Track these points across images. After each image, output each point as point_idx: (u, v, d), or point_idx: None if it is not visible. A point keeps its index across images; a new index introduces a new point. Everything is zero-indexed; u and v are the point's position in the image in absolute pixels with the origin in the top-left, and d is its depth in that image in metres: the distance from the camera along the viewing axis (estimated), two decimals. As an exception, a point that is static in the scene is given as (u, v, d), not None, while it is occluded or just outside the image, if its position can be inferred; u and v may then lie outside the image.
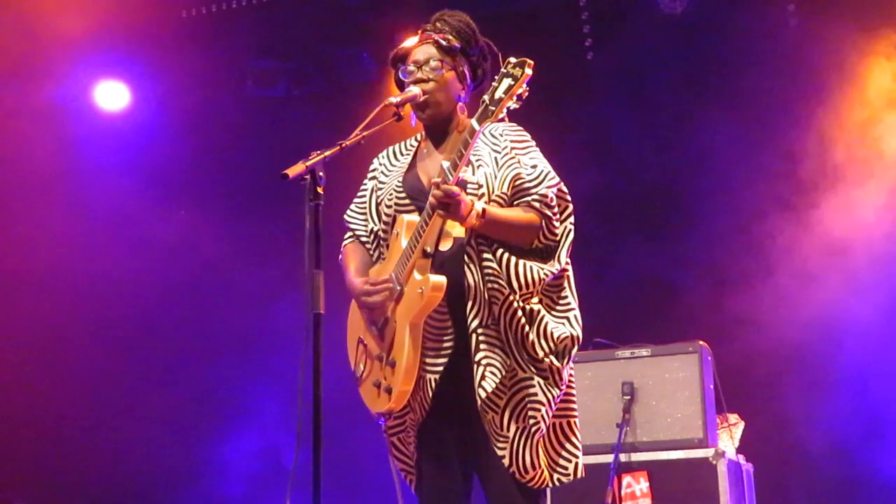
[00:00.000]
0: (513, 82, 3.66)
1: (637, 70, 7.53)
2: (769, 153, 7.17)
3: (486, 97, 3.71)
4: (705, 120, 7.13)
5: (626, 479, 5.70)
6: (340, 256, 4.20)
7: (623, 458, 5.71)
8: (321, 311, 3.53)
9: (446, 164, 3.73)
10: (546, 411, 3.79)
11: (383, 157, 4.22)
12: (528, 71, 3.65)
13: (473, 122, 3.71)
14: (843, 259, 6.92)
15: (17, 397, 7.92)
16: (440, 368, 3.85)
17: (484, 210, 3.74)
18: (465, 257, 3.82)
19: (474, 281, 3.80)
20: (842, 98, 7.09)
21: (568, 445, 3.90)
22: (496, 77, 3.71)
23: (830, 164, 7.06)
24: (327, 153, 3.67)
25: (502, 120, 3.78)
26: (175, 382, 8.19)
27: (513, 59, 3.69)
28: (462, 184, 3.76)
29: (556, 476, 3.87)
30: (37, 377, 7.99)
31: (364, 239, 4.16)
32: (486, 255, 3.81)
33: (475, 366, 3.77)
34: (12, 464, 7.94)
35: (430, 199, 3.71)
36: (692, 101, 7.20)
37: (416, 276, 3.81)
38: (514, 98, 3.67)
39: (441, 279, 3.78)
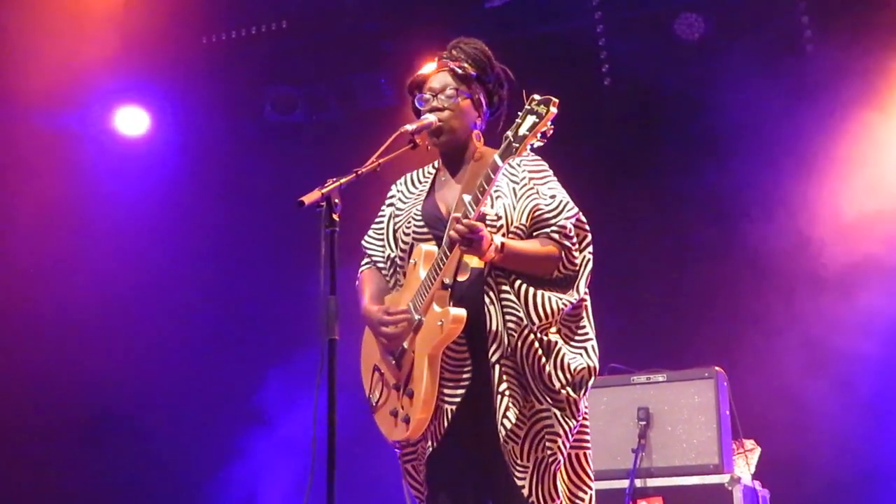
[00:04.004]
0: (537, 120, 3.64)
1: (654, 96, 7.53)
2: (789, 180, 7.15)
3: (509, 133, 3.70)
4: (723, 146, 7.14)
5: (642, 505, 5.70)
6: (357, 282, 4.22)
7: (639, 483, 5.71)
8: (336, 336, 3.55)
9: (468, 198, 3.74)
10: (563, 442, 3.82)
11: (401, 183, 4.24)
12: (553, 110, 3.64)
13: (496, 157, 3.71)
14: (865, 282, 6.91)
15: (42, 401, 8.01)
16: (458, 399, 3.86)
17: (503, 244, 3.76)
18: (485, 289, 3.84)
19: (494, 313, 3.82)
20: (864, 116, 7.06)
21: (584, 477, 3.94)
22: (520, 113, 3.70)
23: (853, 187, 7.04)
24: (343, 180, 3.70)
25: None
26: (186, 418, 8.20)
27: (537, 97, 3.68)
28: (481, 217, 3.78)
29: None
30: (55, 398, 8.05)
31: (381, 265, 4.18)
32: (504, 288, 3.83)
33: (498, 397, 3.78)
34: (40, 466, 8.00)
35: (451, 232, 3.72)
36: (709, 127, 7.20)
37: (436, 308, 3.83)
38: (539, 136, 3.66)
39: (461, 312, 3.79)
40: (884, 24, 6.94)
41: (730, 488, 5.58)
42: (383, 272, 4.18)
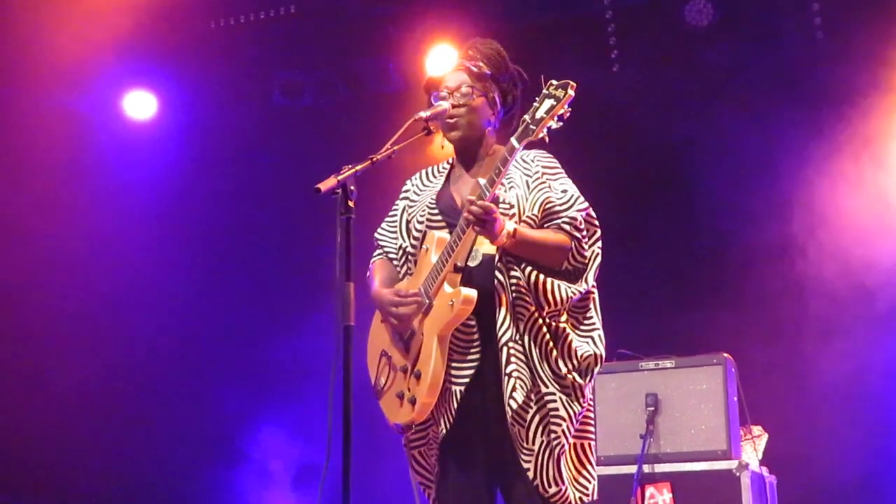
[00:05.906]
0: (555, 103, 3.71)
1: (663, 83, 7.53)
2: (796, 167, 7.15)
3: (526, 116, 3.76)
4: (732, 133, 7.14)
5: (650, 490, 5.73)
6: (368, 272, 4.26)
7: (647, 468, 5.74)
8: (351, 322, 3.58)
9: (483, 180, 3.80)
10: (567, 426, 3.86)
11: (416, 178, 4.31)
12: (571, 92, 3.71)
13: (513, 140, 3.77)
14: (873, 272, 6.92)
15: (30, 409, 8.00)
16: (466, 380, 3.90)
17: (515, 230, 3.81)
18: (495, 274, 3.88)
19: (504, 297, 3.86)
20: (872, 110, 7.06)
21: (588, 465, 3.99)
22: (537, 97, 3.76)
23: (863, 176, 7.04)
24: (358, 167, 3.74)
25: (543, 139, 3.81)
26: (198, 390, 8.22)
27: (555, 81, 3.75)
28: (495, 201, 3.83)
29: (578, 494, 3.94)
30: (49, 389, 8.05)
31: (392, 256, 4.24)
32: (514, 273, 3.88)
33: (506, 378, 3.83)
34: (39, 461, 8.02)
35: (466, 214, 3.76)
36: (718, 113, 7.20)
37: (447, 288, 3.88)
38: (556, 119, 3.72)
39: (472, 292, 3.84)
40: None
41: (737, 474, 5.61)
42: (394, 263, 4.23)
